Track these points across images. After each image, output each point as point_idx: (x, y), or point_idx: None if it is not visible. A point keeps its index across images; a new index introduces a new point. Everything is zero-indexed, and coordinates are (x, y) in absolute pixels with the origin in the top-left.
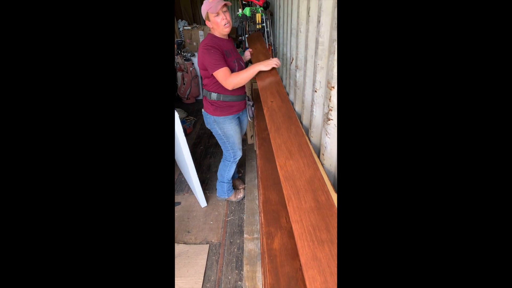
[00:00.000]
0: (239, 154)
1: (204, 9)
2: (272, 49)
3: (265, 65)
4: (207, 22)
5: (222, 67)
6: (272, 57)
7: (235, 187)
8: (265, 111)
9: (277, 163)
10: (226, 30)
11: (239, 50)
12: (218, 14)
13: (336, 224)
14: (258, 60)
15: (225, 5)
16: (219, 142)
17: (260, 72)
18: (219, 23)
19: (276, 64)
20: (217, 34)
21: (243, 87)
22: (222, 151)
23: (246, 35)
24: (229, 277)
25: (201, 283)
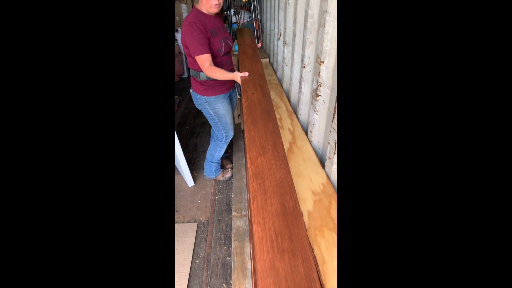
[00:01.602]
0: (231, 134)
1: None
2: (259, 25)
3: (243, 77)
4: None
5: (202, 54)
6: (260, 34)
7: (222, 167)
8: (243, 100)
9: (247, 158)
10: (214, 10)
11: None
12: None
13: (300, 235)
14: (245, 53)
15: None
16: (211, 122)
17: (244, 63)
18: (209, 1)
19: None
20: (203, 10)
21: (231, 64)
22: (208, 131)
23: (232, 10)
24: (218, 253)
25: (190, 260)
